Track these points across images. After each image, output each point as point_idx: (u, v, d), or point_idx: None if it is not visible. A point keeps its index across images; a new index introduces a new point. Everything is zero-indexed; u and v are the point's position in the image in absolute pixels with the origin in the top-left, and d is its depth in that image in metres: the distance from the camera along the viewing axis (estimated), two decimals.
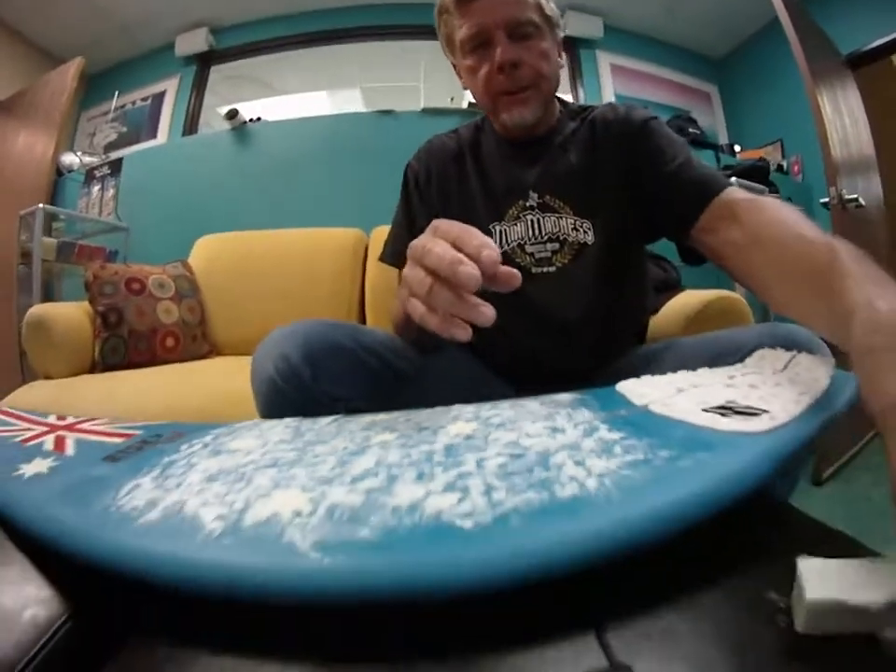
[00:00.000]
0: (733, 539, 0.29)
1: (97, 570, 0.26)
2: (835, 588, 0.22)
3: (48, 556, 0.30)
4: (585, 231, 0.75)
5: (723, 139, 3.43)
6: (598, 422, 0.35)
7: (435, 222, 0.42)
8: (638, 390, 0.42)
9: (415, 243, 0.41)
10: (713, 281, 1.56)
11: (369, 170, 2.32)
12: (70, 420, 0.56)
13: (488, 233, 0.67)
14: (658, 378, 0.45)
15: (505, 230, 0.77)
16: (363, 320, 1.62)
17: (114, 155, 3.15)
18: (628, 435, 0.32)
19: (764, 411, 0.33)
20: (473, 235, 0.38)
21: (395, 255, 0.83)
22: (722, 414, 0.33)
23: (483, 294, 0.39)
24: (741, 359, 0.50)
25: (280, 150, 2.47)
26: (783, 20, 1.74)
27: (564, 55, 0.80)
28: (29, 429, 0.53)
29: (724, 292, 1.08)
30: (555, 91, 0.80)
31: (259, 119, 2.59)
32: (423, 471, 0.29)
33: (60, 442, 0.49)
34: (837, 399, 0.35)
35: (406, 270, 0.42)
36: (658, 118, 0.77)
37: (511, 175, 0.79)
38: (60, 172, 2.85)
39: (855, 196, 1.69)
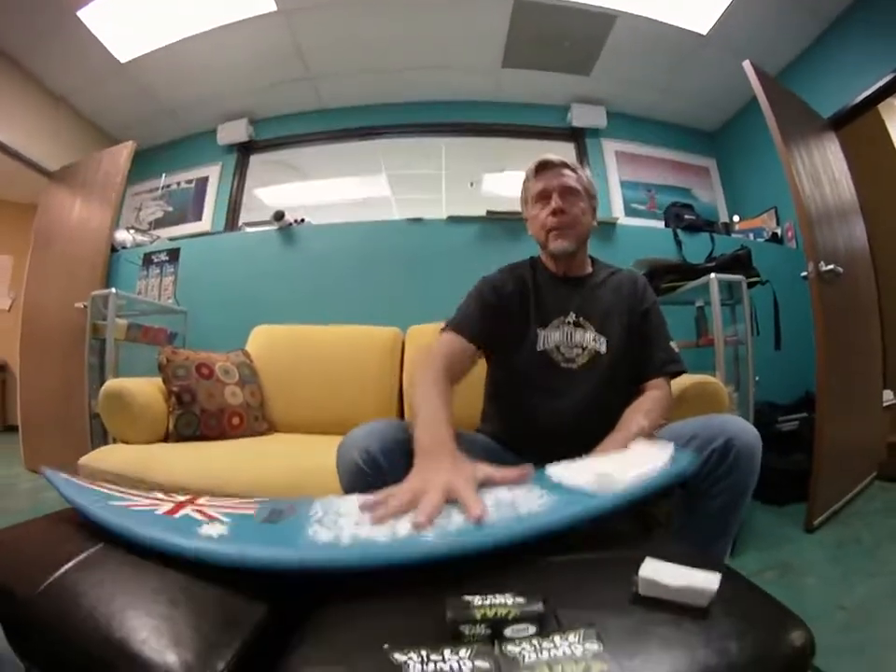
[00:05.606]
0: (628, 551, 0.61)
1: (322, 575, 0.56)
2: (655, 574, 0.50)
3: (242, 582, 0.57)
4: (601, 344, 1.11)
5: (723, 211, 3.64)
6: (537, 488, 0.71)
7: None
8: (557, 472, 0.75)
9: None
10: (707, 365, 1.81)
11: (401, 272, 2.59)
12: (181, 498, 0.81)
13: (535, 335, 1.11)
14: (573, 463, 0.78)
15: (548, 334, 1.11)
16: (401, 406, 1.85)
17: (163, 233, 3.47)
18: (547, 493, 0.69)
19: (621, 480, 0.66)
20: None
21: (457, 324, 1.11)
22: (596, 482, 0.67)
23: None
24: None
25: (321, 251, 2.74)
26: (758, 94, 1.97)
27: (596, 221, 1.24)
28: (156, 504, 0.75)
29: (703, 378, 1.32)
30: (587, 237, 1.18)
31: (302, 220, 2.87)
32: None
33: (205, 513, 0.71)
34: (667, 474, 0.71)
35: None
36: (657, 302, 1.20)
37: (560, 297, 1.15)
38: (113, 248, 3.08)
39: (831, 267, 1.84)
